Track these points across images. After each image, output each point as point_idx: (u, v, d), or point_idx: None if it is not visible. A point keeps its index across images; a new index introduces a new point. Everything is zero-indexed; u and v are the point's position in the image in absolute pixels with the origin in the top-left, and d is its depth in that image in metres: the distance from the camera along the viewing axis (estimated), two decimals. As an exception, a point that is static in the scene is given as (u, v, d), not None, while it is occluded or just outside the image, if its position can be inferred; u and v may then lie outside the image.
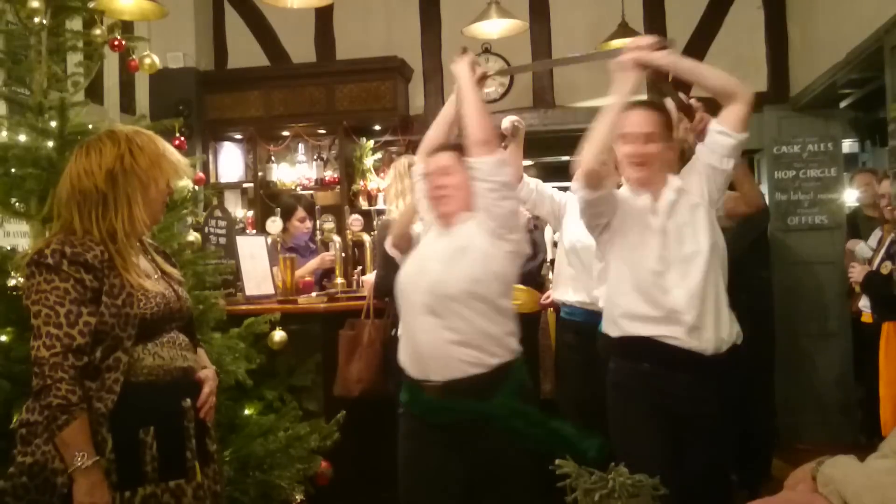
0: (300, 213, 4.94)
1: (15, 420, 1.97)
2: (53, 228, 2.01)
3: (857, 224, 5.28)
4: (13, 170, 2.61)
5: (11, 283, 2.47)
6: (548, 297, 3.73)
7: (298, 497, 2.97)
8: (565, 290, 3.44)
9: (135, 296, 1.92)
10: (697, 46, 6.02)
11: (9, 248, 2.63)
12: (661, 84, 2.75)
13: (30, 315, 1.85)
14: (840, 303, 5.47)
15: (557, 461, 1.52)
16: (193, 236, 3.12)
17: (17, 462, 1.86)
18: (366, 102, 6.01)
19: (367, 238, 4.59)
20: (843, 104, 5.71)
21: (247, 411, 3.07)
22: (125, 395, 1.88)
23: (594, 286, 2.78)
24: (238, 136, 6.46)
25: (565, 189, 3.15)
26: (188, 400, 2.02)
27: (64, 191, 1.97)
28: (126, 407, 1.88)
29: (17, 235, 3.22)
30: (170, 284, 2.07)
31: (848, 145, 6.75)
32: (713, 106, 2.60)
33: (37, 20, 2.75)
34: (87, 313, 1.85)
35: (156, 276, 2.05)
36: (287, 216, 4.86)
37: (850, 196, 5.77)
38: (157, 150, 2.01)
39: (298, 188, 6.26)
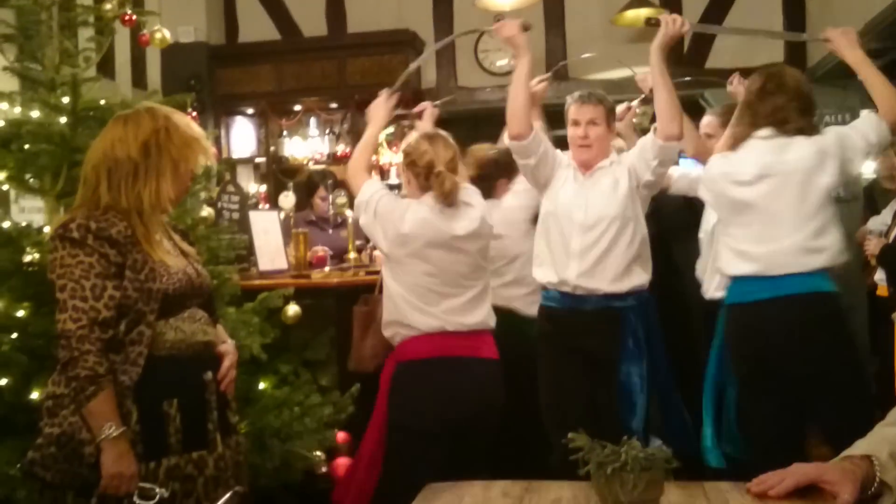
0: (322, 191, 4.95)
1: (41, 394, 1.99)
2: (77, 198, 2.02)
3: (874, 197, 5.22)
4: (27, 146, 2.61)
5: (27, 258, 2.48)
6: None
7: (322, 465, 3.01)
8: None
9: (157, 271, 1.94)
10: (714, 17, 5.95)
11: (24, 223, 2.64)
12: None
13: (54, 289, 1.88)
14: (856, 276, 5.43)
15: (570, 434, 1.52)
16: (207, 211, 3.12)
17: (44, 433, 1.88)
18: (377, 76, 5.97)
19: (379, 212, 4.57)
20: (861, 75, 5.63)
21: (261, 385, 3.10)
22: (149, 369, 1.91)
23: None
24: (250, 111, 6.45)
25: None
26: (209, 373, 2.05)
27: (95, 157, 1.98)
28: (150, 380, 1.91)
29: (31, 211, 3.24)
30: (189, 262, 2.10)
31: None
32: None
33: (48, -5, 2.74)
34: (111, 287, 1.88)
35: (175, 254, 2.07)
36: (311, 193, 4.94)
37: (868, 168, 5.70)
38: (191, 132, 2.04)
39: (311, 162, 6.26)
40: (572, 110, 2.96)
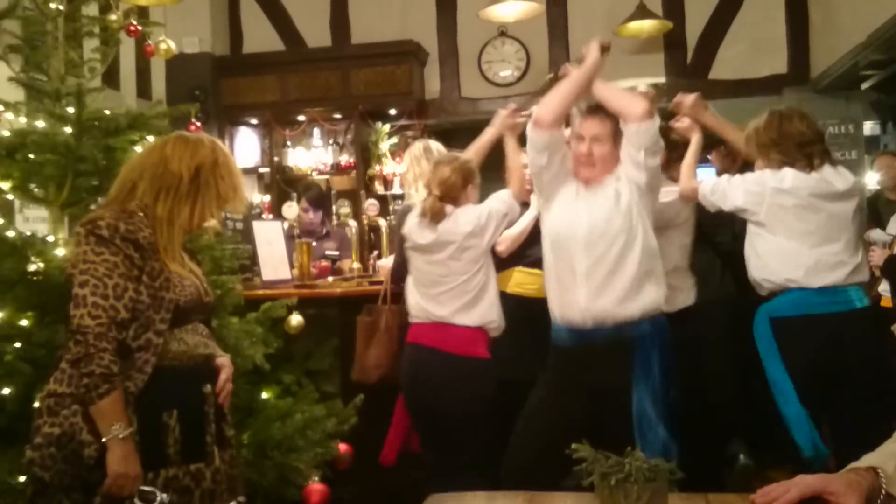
0: (304, 203, 4.92)
1: (40, 392, 1.98)
2: (110, 195, 2.08)
3: (878, 207, 5.22)
4: (31, 155, 2.62)
5: (31, 268, 2.49)
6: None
7: (316, 479, 2.99)
8: None
9: (172, 281, 1.97)
10: (716, 29, 5.96)
11: (28, 233, 2.65)
12: None
13: (72, 283, 1.89)
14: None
15: (574, 445, 1.51)
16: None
17: (43, 432, 1.88)
18: (381, 87, 6.00)
19: (382, 223, 4.59)
20: (864, 86, 5.63)
21: (264, 395, 3.09)
22: (151, 378, 1.91)
23: None
24: (254, 121, 6.47)
25: None
26: (209, 386, 2.06)
27: (143, 164, 2.04)
28: (151, 390, 1.91)
29: (35, 221, 3.24)
30: (199, 279, 2.13)
31: (869, 127, 6.66)
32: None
33: (53, 6, 2.76)
34: (132, 289, 1.90)
35: (187, 270, 2.10)
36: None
37: (872, 179, 5.70)
38: (239, 180, 2.15)
39: (314, 173, 6.27)
40: (577, 123, 2.79)
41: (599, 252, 2.65)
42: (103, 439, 1.83)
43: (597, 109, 2.75)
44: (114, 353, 1.84)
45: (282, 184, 6.17)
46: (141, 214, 1.97)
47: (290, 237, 4.26)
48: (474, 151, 3.20)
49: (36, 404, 1.95)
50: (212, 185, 2.06)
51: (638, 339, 2.63)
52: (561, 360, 2.76)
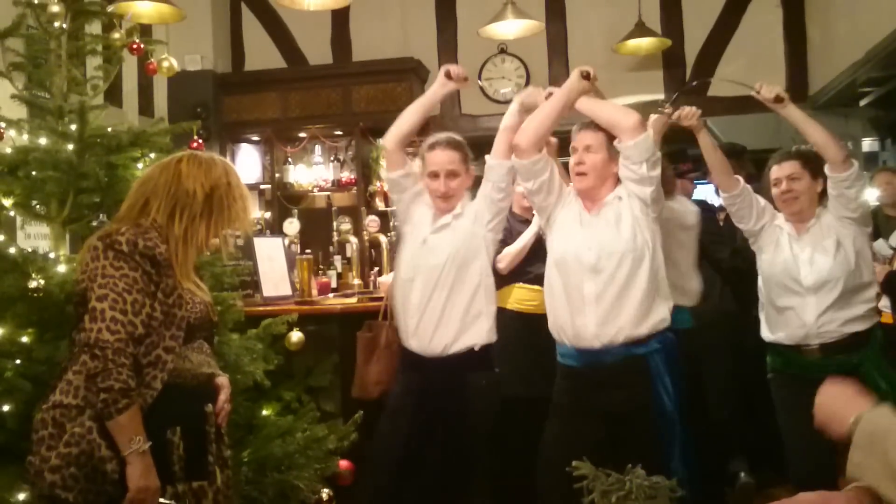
0: None
1: (42, 404, 1.96)
2: (121, 211, 2.07)
3: (877, 224, 5.22)
4: (34, 172, 2.63)
5: (32, 284, 2.49)
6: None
7: (316, 497, 2.98)
8: None
9: (184, 298, 1.98)
10: (715, 46, 5.99)
11: (29, 249, 2.65)
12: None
13: (88, 296, 1.88)
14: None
15: (574, 462, 1.51)
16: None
17: (60, 453, 1.86)
18: (382, 104, 6.02)
19: (383, 239, 4.60)
20: (862, 102, 5.66)
21: (265, 412, 3.09)
22: (157, 395, 1.91)
23: None
24: (255, 138, 6.49)
25: None
26: (210, 405, 2.06)
27: (162, 181, 2.03)
28: (156, 407, 1.91)
29: (37, 237, 3.25)
30: (207, 295, 2.14)
31: (868, 144, 6.68)
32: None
33: (56, 24, 2.78)
34: (149, 305, 1.90)
35: (196, 287, 2.11)
36: None
37: (871, 195, 5.71)
38: (249, 200, 2.16)
39: (315, 189, 6.29)
40: (572, 137, 2.83)
41: (607, 275, 2.64)
42: (124, 454, 1.83)
43: (590, 124, 2.80)
44: (131, 367, 1.85)
45: (283, 200, 6.18)
46: (155, 231, 1.97)
47: (290, 254, 4.27)
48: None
49: (38, 416, 1.93)
50: (225, 207, 2.07)
51: (648, 357, 2.63)
52: (571, 383, 2.74)
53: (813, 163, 2.89)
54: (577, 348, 2.69)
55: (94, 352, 1.83)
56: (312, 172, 6.37)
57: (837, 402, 1.49)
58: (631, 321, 2.62)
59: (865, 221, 2.94)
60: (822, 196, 2.92)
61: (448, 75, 2.94)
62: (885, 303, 4.13)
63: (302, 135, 6.30)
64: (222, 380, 2.17)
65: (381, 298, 3.65)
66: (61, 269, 2.52)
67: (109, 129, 2.77)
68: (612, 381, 2.63)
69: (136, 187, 2.08)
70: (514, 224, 3.48)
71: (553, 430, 2.74)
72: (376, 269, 4.80)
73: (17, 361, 2.42)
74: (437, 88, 3.02)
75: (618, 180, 2.77)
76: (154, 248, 1.92)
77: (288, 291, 3.99)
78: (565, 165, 2.99)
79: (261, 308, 3.65)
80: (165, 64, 3.16)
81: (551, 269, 2.79)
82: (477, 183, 3.00)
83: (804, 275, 2.84)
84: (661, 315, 2.68)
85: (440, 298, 2.80)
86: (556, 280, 2.76)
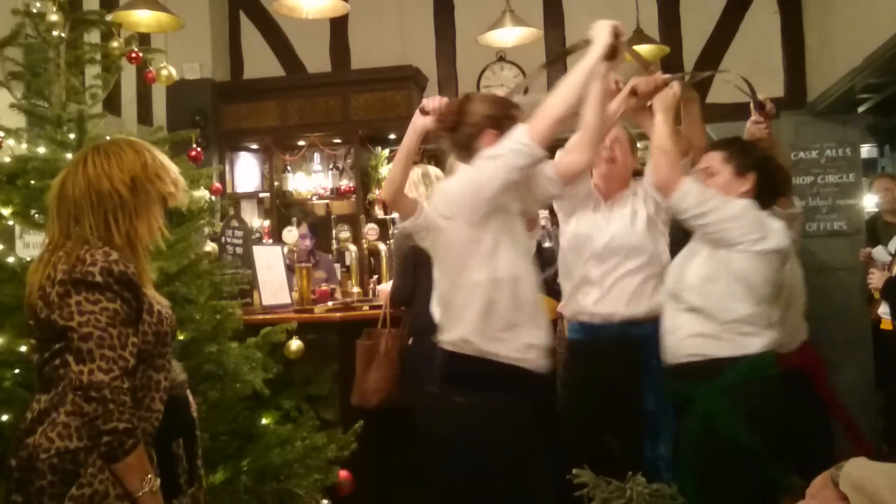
0: (303, 228, 4.92)
1: (36, 442, 1.80)
2: (51, 232, 1.88)
3: (876, 230, 5.23)
4: (32, 182, 2.63)
5: (31, 294, 2.48)
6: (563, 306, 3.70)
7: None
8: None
9: (162, 312, 1.89)
10: (713, 53, 6.01)
11: (28, 259, 2.65)
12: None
13: (69, 337, 1.74)
14: (859, 309, 5.41)
15: (574, 471, 1.50)
16: (210, 246, 3.13)
17: (72, 496, 1.73)
18: (381, 111, 6.03)
19: (382, 247, 4.60)
20: (861, 109, 5.66)
21: (264, 421, 3.07)
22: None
23: None
24: (254, 146, 6.50)
25: None
26: (195, 409, 2.05)
27: (78, 194, 1.84)
28: (161, 422, 1.87)
29: (36, 247, 3.24)
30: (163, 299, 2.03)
31: (866, 150, 6.69)
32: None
33: (55, 33, 2.78)
34: (132, 334, 1.79)
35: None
36: None
37: (869, 201, 5.72)
38: (173, 169, 1.96)
39: (314, 197, 6.29)
40: None
41: (612, 264, 2.86)
42: (136, 495, 1.74)
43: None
44: (131, 405, 1.75)
45: (282, 208, 6.18)
46: (113, 249, 1.81)
47: (289, 262, 4.27)
48: None
49: (36, 465, 1.77)
50: (151, 190, 1.88)
51: (643, 339, 2.78)
52: (573, 355, 3.06)
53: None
54: (579, 322, 2.96)
55: (89, 394, 1.70)
56: (311, 181, 6.38)
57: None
58: (625, 302, 2.84)
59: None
60: None
61: (423, 111, 2.50)
62: (884, 309, 4.13)
63: (301, 143, 6.31)
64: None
65: (380, 306, 3.65)
66: (60, 278, 2.51)
67: (108, 138, 2.76)
68: (608, 355, 2.84)
69: (56, 207, 1.87)
70: None
71: (566, 406, 3.00)
72: (375, 277, 4.79)
73: (16, 371, 2.42)
74: (411, 131, 2.53)
75: (634, 175, 2.99)
76: (127, 270, 1.78)
77: (287, 300, 3.98)
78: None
79: (260, 316, 3.64)
80: (164, 72, 3.17)
81: (564, 251, 3.03)
82: None
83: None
84: (658, 301, 2.80)
85: None
86: (566, 262, 3.00)
